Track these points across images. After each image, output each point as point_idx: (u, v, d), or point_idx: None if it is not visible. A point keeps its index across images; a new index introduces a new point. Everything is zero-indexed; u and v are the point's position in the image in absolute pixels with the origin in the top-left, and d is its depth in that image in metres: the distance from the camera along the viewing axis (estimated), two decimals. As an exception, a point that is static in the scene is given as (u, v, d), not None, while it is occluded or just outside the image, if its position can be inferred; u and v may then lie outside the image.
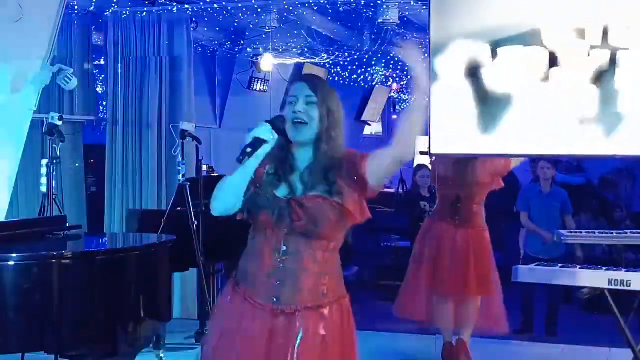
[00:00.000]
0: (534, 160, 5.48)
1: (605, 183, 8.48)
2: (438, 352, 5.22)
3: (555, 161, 6.48)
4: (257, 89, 9.15)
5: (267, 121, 2.38)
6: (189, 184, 5.06)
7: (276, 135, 2.37)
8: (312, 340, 2.36)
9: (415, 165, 7.98)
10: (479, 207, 5.05)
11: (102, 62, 7.10)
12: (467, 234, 4.98)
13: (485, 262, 4.99)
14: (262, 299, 2.37)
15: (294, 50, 8.65)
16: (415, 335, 5.92)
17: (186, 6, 6.73)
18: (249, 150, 2.32)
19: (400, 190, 9.83)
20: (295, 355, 2.33)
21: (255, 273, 2.40)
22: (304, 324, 2.36)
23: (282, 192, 2.40)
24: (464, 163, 4.98)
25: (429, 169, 6.82)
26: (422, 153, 6.09)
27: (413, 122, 2.34)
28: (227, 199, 2.39)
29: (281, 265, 2.37)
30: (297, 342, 2.34)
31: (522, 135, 4.55)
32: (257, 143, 2.33)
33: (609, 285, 3.92)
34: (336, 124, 2.42)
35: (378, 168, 2.38)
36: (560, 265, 4.28)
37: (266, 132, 2.35)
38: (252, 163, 2.34)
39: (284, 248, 2.37)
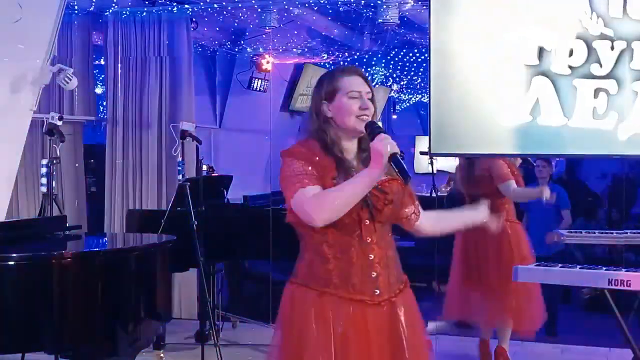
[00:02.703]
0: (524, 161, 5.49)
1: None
2: (439, 351, 5.21)
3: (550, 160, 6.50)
4: (257, 89, 9.15)
5: (381, 132, 2.32)
6: (189, 184, 5.05)
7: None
8: (413, 317, 2.51)
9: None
10: (497, 200, 5.01)
11: (102, 62, 7.10)
12: (486, 230, 4.96)
13: (508, 257, 4.91)
14: (365, 295, 2.41)
15: (294, 50, 8.65)
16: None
17: (186, 6, 6.73)
18: (406, 167, 2.27)
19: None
20: (405, 335, 2.44)
21: (349, 271, 2.41)
22: (402, 305, 2.48)
23: None
24: (477, 161, 4.99)
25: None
26: (422, 153, 6.07)
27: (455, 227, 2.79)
28: (342, 210, 2.32)
29: (371, 256, 2.42)
30: (403, 326, 2.45)
31: (521, 135, 4.54)
32: (399, 156, 2.28)
33: (609, 285, 3.91)
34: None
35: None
36: (560, 265, 4.27)
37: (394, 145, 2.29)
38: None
39: (369, 240, 2.42)
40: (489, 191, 5.00)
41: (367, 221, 2.41)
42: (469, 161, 5.07)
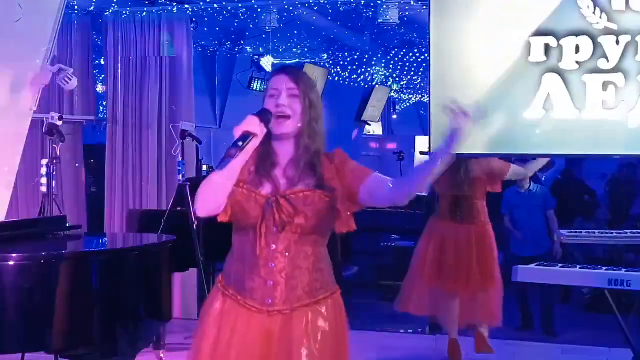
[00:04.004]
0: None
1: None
2: (438, 351, 5.21)
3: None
4: (257, 89, 9.15)
5: (254, 114, 2.23)
6: (189, 184, 5.05)
7: (265, 129, 2.23)
8: (312, 337, 2.29)
9: None
10: (479, 202, 5.09)
11: (102, 62, 7.10)
12: (469, 230, 5.03)
13: (488, 257, 5.04)
14: (256, 302, 2.30)
15: (294, 50, 8.66)
16: (416, 335, 5.92)
17: (186, 6, 6.74)
18: (240, 143, 2.14)
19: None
20: (297, 355, 2.26)
21: (247, 276, 2.31)
22: (302, 322, 2.30)
23: (266, 189, 2.31)
24: (457, 161, 5.03)
25: None
26: (422, 153, 6.07)
27: (423, 182, 2.26)
28: (212, 200, 2.24)
29: (272, 264, 2.29)
30: (296, 342, 2.27)
31: (521, 136, 4.55)
32: (247, 137, 2.17)
33: (609, 285, 3.91)
34: (318, 116, 2.33)
35: (373, 193, 2.29)
36: (560, 265, 4.28)
37: (255, 125, 2.19)
38: (240, 160, 2.18)
39: (274, 247, 2.29)
40: (475, 193, 5.06)
41: (275, 228, 2.27)
42: (453, 165, 5.10)
